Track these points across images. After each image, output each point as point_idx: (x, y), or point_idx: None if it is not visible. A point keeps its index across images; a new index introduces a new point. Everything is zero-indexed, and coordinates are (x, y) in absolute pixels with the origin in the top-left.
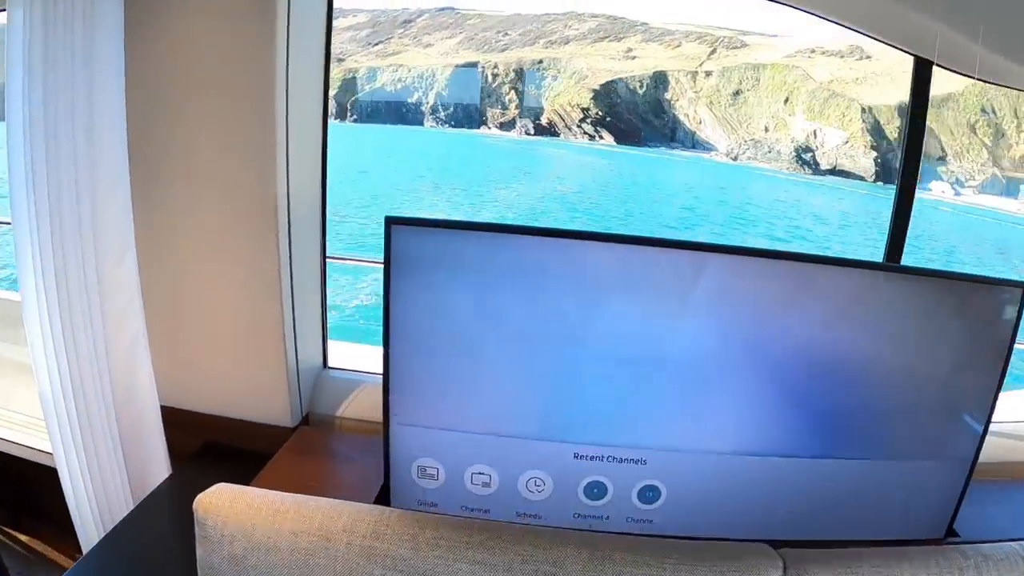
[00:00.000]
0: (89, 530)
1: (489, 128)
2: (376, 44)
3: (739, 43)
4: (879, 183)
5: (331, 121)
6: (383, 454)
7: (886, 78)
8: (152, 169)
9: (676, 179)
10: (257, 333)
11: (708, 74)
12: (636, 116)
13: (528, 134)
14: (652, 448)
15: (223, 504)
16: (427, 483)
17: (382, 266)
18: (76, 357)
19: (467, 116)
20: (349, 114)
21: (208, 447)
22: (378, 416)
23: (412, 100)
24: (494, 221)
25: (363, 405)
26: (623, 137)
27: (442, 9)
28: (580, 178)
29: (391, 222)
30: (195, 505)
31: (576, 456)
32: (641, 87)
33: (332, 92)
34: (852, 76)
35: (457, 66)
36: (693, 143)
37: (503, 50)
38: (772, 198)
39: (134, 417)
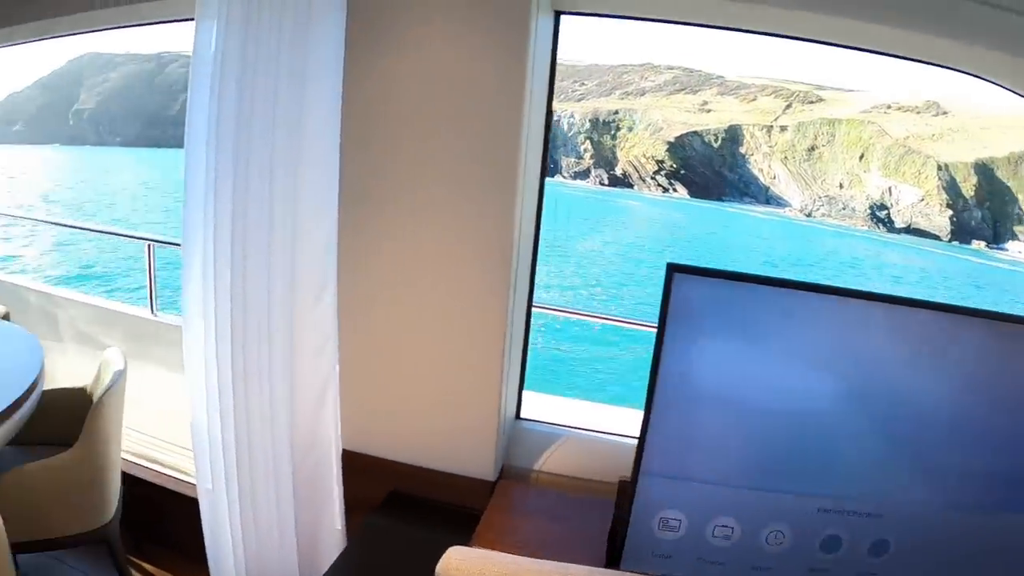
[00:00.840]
0: (224, 564)
1: (564, 177)
2: None
3: (815, 97)
4: (954, 242)
5: None
6: (620, 505)
7: (962, 135)
8: (367, 208)
9: (752, 235)
10: (474, 381)
11: (783, 129)
12: (710, 170)
13: (602, 184)
14: (891, 502)
15: (472, 570)
16: (666, 535)
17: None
18: (245, 392)
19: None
20: None
21: (395, 496)
22: (574, 470)
23: None
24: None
25: (559, 458)
26: (697, 190)
27: None
28: (656, 232)
29: (674, 269)
30: (440, 571)
31: (820, 510)
32: (716, 140)
33: None
34: (928, 132)
35: None
36: (767, 198)
37: (579, 100)
38: (849, 256)
39: (312, 461)
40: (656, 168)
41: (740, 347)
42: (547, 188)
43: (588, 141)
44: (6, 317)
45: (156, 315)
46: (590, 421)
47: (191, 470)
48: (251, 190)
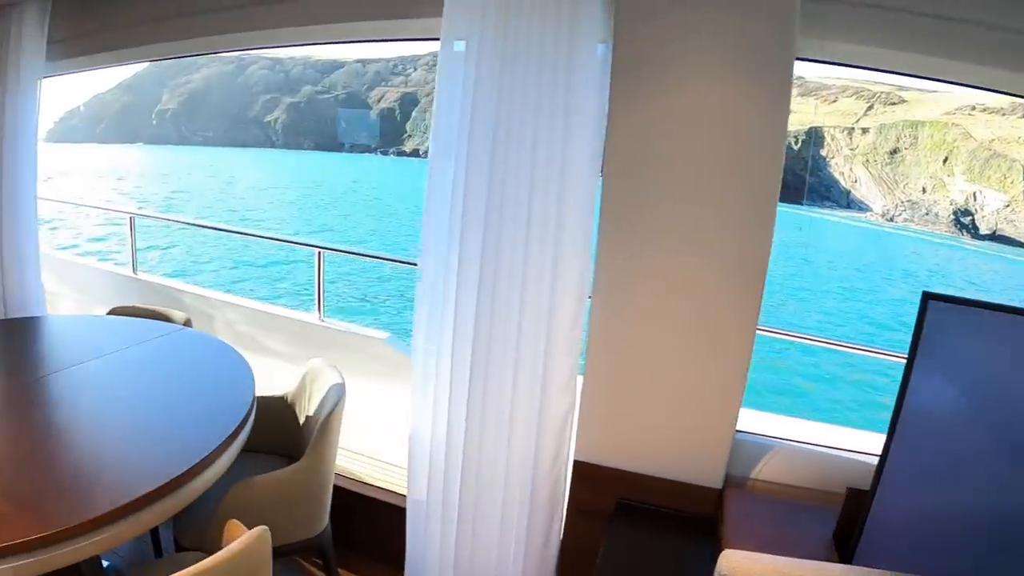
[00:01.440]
0: (430, 570)
1: None
2: None
3: (897, 99)
4: None
5: None
6: (849, 511)
7: None
8: (623, 236)
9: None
10: (715, 395)
11: (865, 131)
12: (789, 172)
13: None
14: None
15: (754, 571)
16: (898, 540)
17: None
18: (481, 413)
19: None
20: None
21: (624, 504)
22: (786, 479)
23: None
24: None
25: (773, 468)
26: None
27: None
28: None
29: (929, 297)
30: (726, 572)
31: None
32: (796, 143)
33: None
34: (1015, 135)
35: None
36: (848, 202)
37: None
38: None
39: (543, 474)
40: None
41: (989, 376)
42: None
43: None
44: (187, 323)
45: (323, 321)
46: (798, 433)
47: (379, 478)
48: (505, 220)
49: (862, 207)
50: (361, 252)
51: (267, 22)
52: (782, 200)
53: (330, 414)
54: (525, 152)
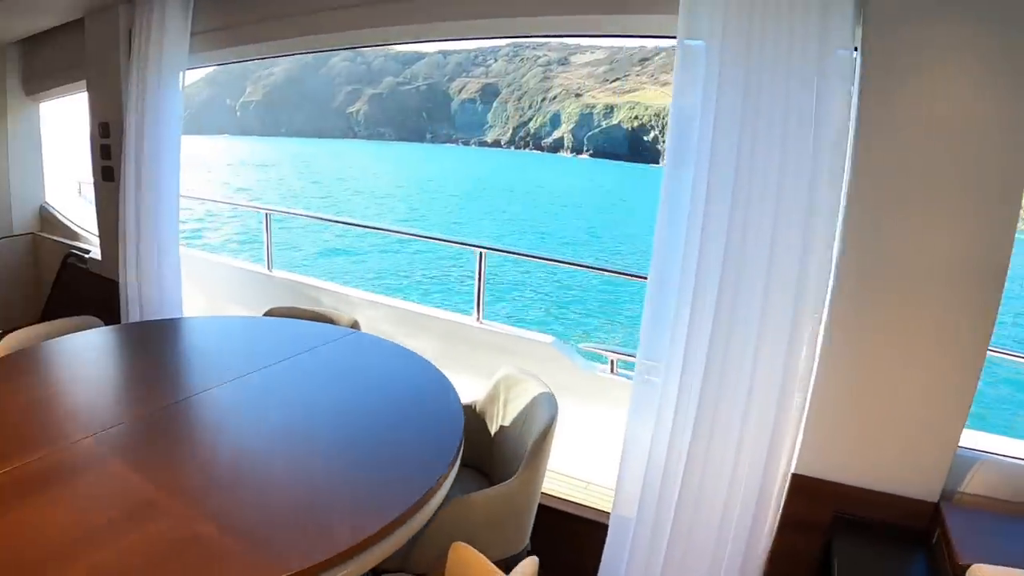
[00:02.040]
0: None
1: None
2: (614, 81)
3: None
4: None
5: (566, 155)
6: None
7: None
8: (863, 249)
9: None
10: (937, 409)
11: None
12: None
13: None
14: None
15: None
16: None
17: None
18: (709, 432)
19: None
20: (585, 148)
21: (841, 517)
22: (999, 493)
23: (648, 138)
24: None
25: (982, 482)
26: None
27: None
28: None
29: None
30: None
31: None
32: None
33: (569, 126)
34: None
35: None
36: None
37: None
38: None
39: (762, 488)
40: None
41: None
42: None
43: None
44: (355, 326)
45: (482, 323)
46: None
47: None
48: (748, 235)
49: None
50: (544, 256)
51: (465, 11)
52: None
53: (547, 429)
54: (773, 162)
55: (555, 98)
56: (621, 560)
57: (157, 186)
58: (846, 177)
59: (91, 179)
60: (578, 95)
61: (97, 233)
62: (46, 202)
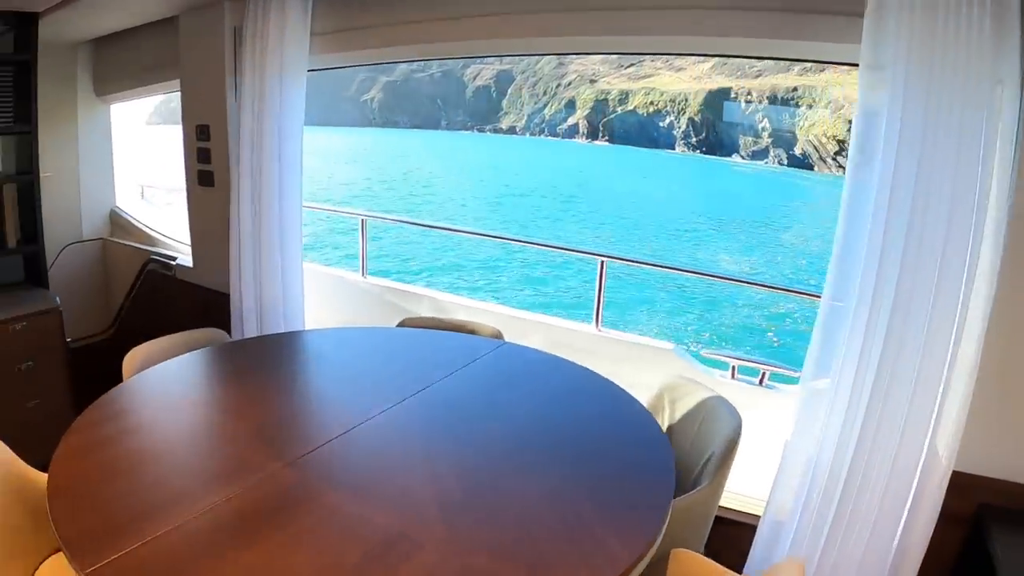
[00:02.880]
0: None
1: (741, 156)
2: (628, 66)
3: None
4: None
5: (582, 141)
6: None
7: None
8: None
9: None
10: None
11: None
12: None
13: (781, 163)
14: None
15: None
16: None
17: None
18: (872, 440)
19: (718, 142)
20: (601, 134)
21: (991, 510)
22: None
23: (664, 124)
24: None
25: None
26: None
27: None
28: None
29: None
30: None
31: None
32: None
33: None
34: None
35: (710, 91)
36: None
37: (756, 76)
38: None
39: (924, 483)
40: (837, 148)
41: None
42: (725, 168)
43: (766, 119)
44: (497, 336)
45: (600, 330)
46: None
47: None
48: (924, 241)
49: None
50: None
51: (626, 27)
52: None
53: (735, 434)
54: (946, 184)
55: (570, 84)
56: (771, 560)
57: (279, 194)
58: (1013, 175)
59: (155, 183)
60: (592, 81)
61: (178, 239)
62: (117, 206)
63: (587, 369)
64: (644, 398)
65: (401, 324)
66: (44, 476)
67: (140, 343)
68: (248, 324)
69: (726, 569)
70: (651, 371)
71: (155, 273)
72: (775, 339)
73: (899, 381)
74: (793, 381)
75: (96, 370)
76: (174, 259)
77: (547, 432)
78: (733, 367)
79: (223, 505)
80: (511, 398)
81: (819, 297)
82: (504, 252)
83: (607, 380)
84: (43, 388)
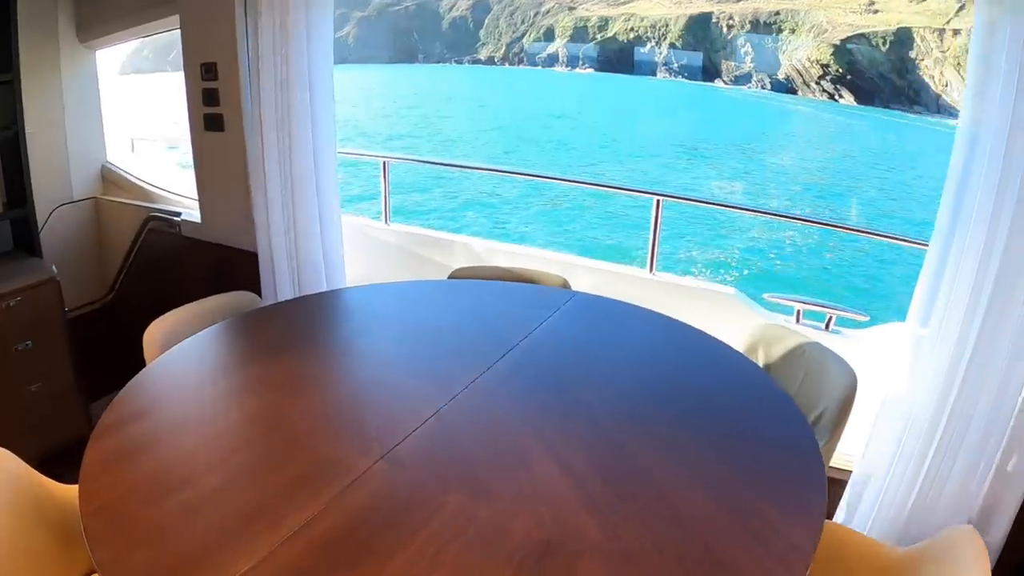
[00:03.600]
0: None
1: (724, 81)
2: None
3: None
4: None
5: (562, 69)
6: None
7: None
8: None
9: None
10: None
11: (956, 32)
12: (877, 75)
13: (764, 88)
14: None
15: None
16: None
17: None
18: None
19: (700, 68)
20: (581, 63)
21: None
22: None
23: (645, 50)
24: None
25: None
26: (863, 97)
27: None
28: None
29: None
30: None
31: None
32: (884, 44)
33: (563, 41)
34: None
35: (691, 16)
36: (938, 107)
37: (737, 1)
38: None
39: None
40: (821, 73)
41: None
42: (708, 93)
43: (748, 44)
44: (565, 286)
45: (654, 274)
46: None
47: None
48: None
49: (952, 112)
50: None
51: None
52: (867, 103)
53: (850, 394)
54: None
55: (548, 12)
56: (861, 512)
57: (313, 136)
58: None
59: (147, 136)
60: (571, 8)
61: (181, 194)
62: (109, 161)
63: (673, 319)
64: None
65: (452, 276)
66: (65, 488)
67: (143, 309)
68: (282, 285)
69: (873, 539)
70: (715, 318)
71: (157, 232)
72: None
73: (1005, 329)
74: (859, 325)
75: (96, 342)
76: (178, 215)
77: (661, 395)
78: (798, 311)
79: (315, 523)
80: (609, 356)
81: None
82: (527, 191)
83: (700, 331)
84: (45, 369)
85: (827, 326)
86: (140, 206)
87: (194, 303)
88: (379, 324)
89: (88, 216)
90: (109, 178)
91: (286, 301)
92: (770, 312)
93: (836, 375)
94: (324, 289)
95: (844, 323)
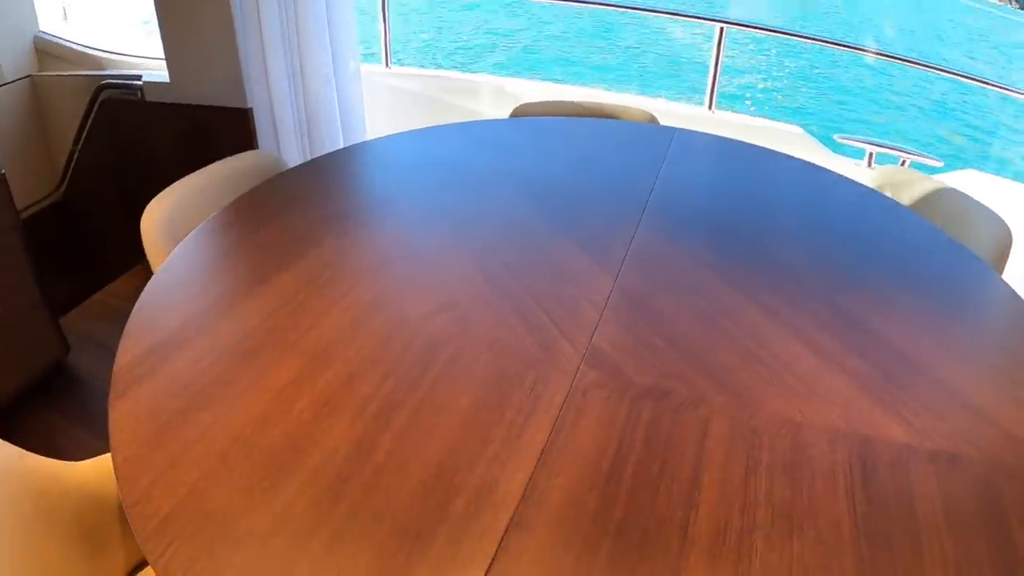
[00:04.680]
0: None
1: None
2: None
3: None
4: None
5: None
6: None
7: None
8: None
9: None
10: None
11: None
12: None
13: None
14: None
15: None
16: None
17: None
18: None
19: None
20: None
21: None
22: None
23: None
24: None
25: None
26: None
27: None
28: None
29: None
30: None
31: None
32: None
33: None
34: None
35: None
36: None
37: None
38: None
39: None
40: None
41: None
42: None
43: None
44: (653, 120)
45: (714, 112)
46: None
47: None
48: None
49: None
50: None
51: None
52: None
53: (1006, 245)
54: None
55: None
56: None
57: None
58: None
59: None
60: None
61: (138, 54)
62: (42, 31)
63: (789, 156)
64: None
65: (515, 114)
66: (76, 469)
67: (104, 201)
68: (287, 146)
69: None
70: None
71: (114, 102)
72: None
73: None
74: (934, 171)
75: (49, 247)
76: (138, 78)
77: (844, 246)
78: (870, 154)
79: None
80: (761, 204)
81: None
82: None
83: (835, 173)
84: (3, 286)
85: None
86: (89, 76)
87: (197, 173)
88: (474, 178)
89: (24, 99)
90: (45, 50)
91: (327, 155)
92: (839, 155)
93: (984, 225)
94: (341, 146)
95: (917, 168)
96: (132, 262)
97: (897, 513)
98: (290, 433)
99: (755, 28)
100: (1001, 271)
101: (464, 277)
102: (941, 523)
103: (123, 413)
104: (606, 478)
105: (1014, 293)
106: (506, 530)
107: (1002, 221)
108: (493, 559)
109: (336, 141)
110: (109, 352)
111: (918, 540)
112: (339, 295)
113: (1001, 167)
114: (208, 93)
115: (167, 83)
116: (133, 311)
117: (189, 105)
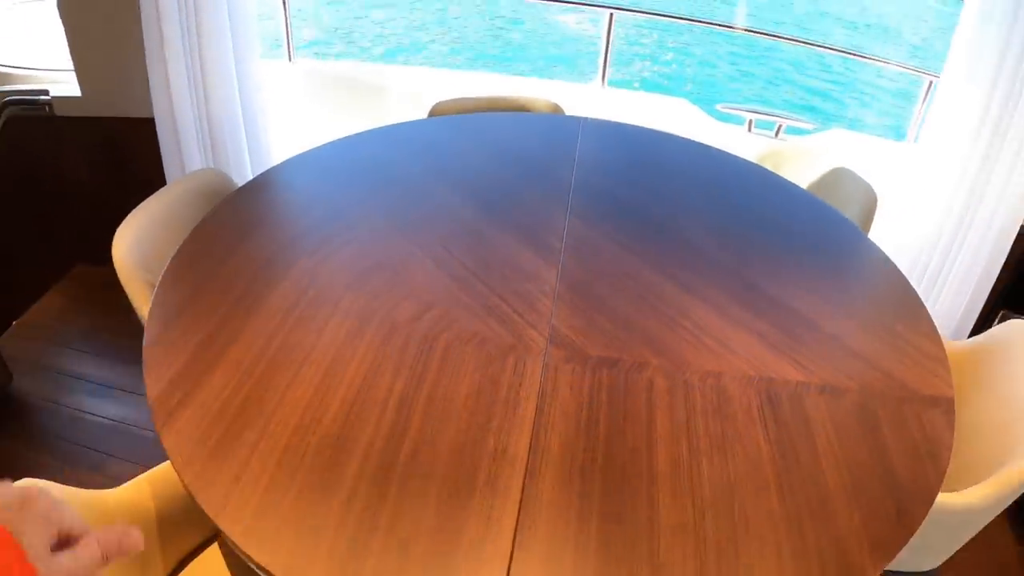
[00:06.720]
0: None
1: None
2: None
3: None
4: None
5: None
6: None
7: None
8: None
9: None
10: None
11: None
12: None
13: None
14: None
15: None
16: None
17: None
18: None
19: None
20: None
21: None
22: None
23: None
24: None
25: None
26: None
27: None
28: None
29: None
30: None
31: None
32: None
33: None
34: None
35: None
36: None
37: None
38: None
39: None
40: None
41: None
42: None
43: None
44: (556, 110)
45: (605, 88)
46: None
47: None
48: None
49: None
50: None
51: None
52: None
53: (871, 206)
54: None
55: None
56: None
57: None
58: None
59: None
60: None
61: (44, 67)
62: None
63: (688, 139)
64: None
65: (433, 113)
66: (118, 498)
67: (18, 219)
68: (189, 154)
69: None
70: (670, 130)
71: (19, 120)
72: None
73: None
74: (805, 132)
75: None
76: (45, 93)
77: (749, 224)
78: (750, 120)
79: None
80: (669, 186)
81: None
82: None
83: (723, 151)
84: None
85: (776, 134)
86: None
87: (152, 199)
88: (411, 180)
89: None
90: None
91: (270, 170)
92: (722, 122)
93: (852, 189)
94: (245, 155)
95: (792, 131)
96: (52, 280)
97: (798, 432)
98: (332, 435)
99: (645, 13)
100: (868, 228)
101: (432, 280)
102: (832, 436)
103: (174, 443)
104: (586, 429)
105: (881, 253)
106: (524, 476)
107: (868, 185)
108: (522, 493)
109: (239, 145)
110: (52, 372)
111: (815, 450)
112: (328, 312)
113: (857, 124)
114: (124, 106)
115: (78, 97)
116: (145, 346)
117: (100, 118)
